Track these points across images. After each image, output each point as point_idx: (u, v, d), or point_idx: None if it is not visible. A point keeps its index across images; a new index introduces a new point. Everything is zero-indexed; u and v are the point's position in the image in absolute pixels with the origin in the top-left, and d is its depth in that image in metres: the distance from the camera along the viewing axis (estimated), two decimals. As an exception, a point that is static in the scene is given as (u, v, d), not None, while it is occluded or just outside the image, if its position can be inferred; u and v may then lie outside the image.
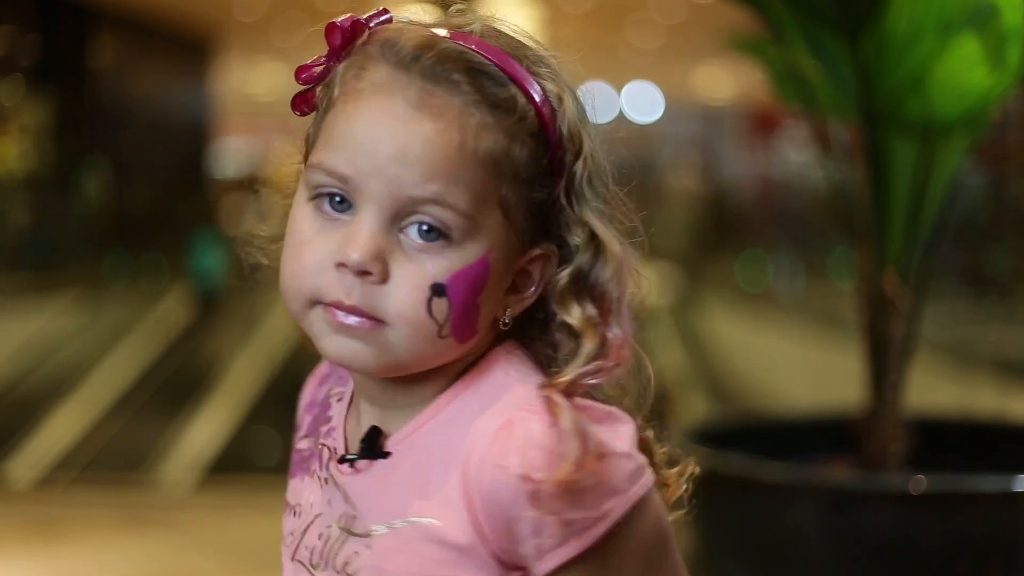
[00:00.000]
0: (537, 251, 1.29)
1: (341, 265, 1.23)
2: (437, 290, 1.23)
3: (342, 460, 1.32)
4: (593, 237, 1.29)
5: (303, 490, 1.38)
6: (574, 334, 1.28)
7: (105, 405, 8.92)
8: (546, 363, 1.30)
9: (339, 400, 1.40)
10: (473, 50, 1.26)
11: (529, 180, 1.26)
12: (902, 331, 2.99)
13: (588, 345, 1.27)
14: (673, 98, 28.39)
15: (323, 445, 1.37)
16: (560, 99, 1.29)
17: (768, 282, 16.43)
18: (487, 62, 1.26)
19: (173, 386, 9.85)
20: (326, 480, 1.34)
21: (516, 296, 1.30)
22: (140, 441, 7.94)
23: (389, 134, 1.22)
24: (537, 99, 1.27)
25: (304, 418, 1.45)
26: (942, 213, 3.07)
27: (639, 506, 1.23)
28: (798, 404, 7.19)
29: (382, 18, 1.31)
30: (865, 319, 3.03)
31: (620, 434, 1.24)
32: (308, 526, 1.34)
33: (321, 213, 1.26)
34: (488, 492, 1.20)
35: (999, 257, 14.57)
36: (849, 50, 2.88)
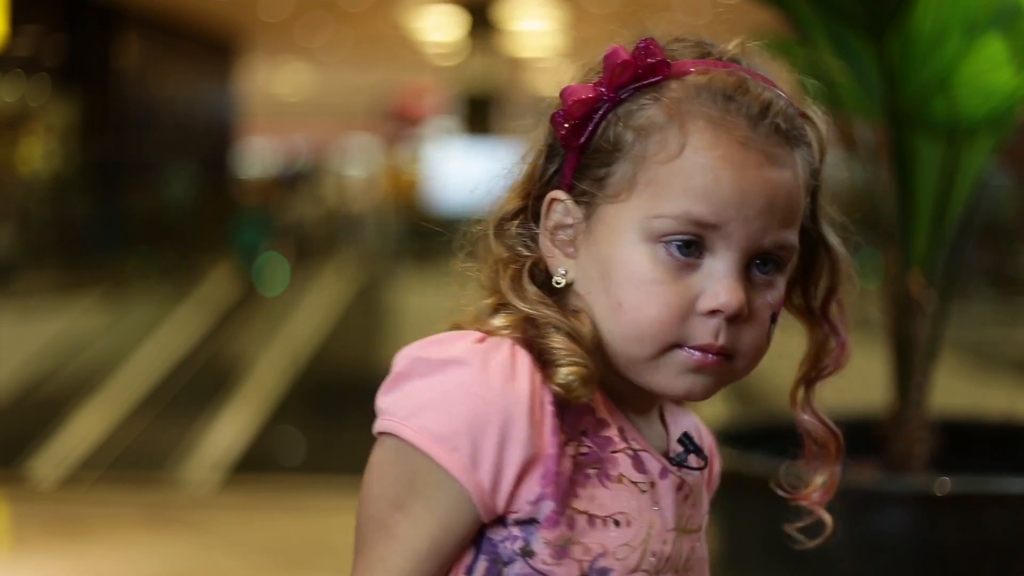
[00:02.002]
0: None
1: (714, 312, 1.28)
2: (774, 319, 1.33)
3: (679, 464, 1.39)
4: (826, 246, 1.40)
5: (606, 498, 1.32)
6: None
7: (130, 404, 8.94)
8: None
9: (603, 413, 1.36)
10: (780, 94, 1.33)
11: (813, 198, 1.37)
12: (927, 332, 2.99)
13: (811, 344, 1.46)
14: (697, 98, 28.33)
15: (632, 451, 1.35)
16: (816, 127, 1.36)
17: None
18: (791, 105, 1.33)
19: (197, 385, 9.87)
20: (651, 484, 1.35)
21: None
22: (165, 440, 7.96)
23: (760, 186, 1.28)
24: (820, 136, 1.36)
25: (551, 422, 1.31)
26: (967, 214, 3.06)
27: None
28: (822, 405, 7.17)
29: (662, 55, 1.34)
30: (890, 320, 3.03)
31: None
32: (648, 534, 1.34)
33: (671, 258, 1.29)
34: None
35: (1024, 258, 14.52)
36: (875, 51, 2.88)
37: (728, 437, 3.25)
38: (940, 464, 2.98)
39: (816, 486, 1.48)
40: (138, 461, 7.59)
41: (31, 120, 17.14)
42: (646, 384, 1.32)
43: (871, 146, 3.19)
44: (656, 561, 1.34)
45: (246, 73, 24.27)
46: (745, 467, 2.94)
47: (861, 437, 3.16)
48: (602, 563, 1.30)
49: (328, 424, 8.16)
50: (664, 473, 1.36)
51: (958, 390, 5.94)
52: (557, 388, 1.27)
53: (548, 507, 1.26)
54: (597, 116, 1.32)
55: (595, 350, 1.31)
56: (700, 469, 1.40)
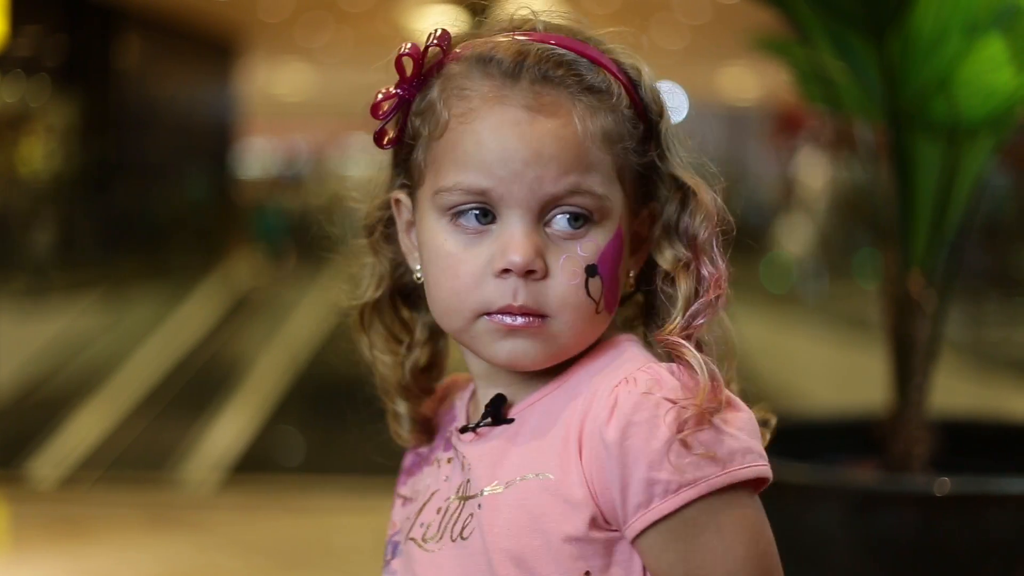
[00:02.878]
0: (644, 212, 1.37)
1: (504, 271, 1.29)
2: (591, 271, 1.30)
3: (463, 430, 1.38)
4: (679, 187, 1.37)
5: (419, 480, 1.44)
6: (674, 282, 1.36)
7: (130, 404, 8.95)
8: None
9: (461, 399, 1.47)
10: (556, 46, 1.33)
11: (633, 149, 1.34)
12: (927, 332, 2.98)
13: (683, 284, 1.35)
14: (697, 99, 28.37)
15: (449, 432, 1.43)
16: (637, 69, 1.38)
17: (792, 283, 16.40)
18: (573, 54, 1.33)
19: (198, 385, 9.88)
20: (448, 460, 1.39)
21: (633, 257, 1.38)
22: (165, 440, 7.96)
23: (519, 140, 1.29)
24: (621, 76, 1.36)
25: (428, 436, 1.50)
26: (967, 214, 3.06)
27: (740, 495, 1.28)
28: (822, 405, 7.18)
29: (446, 39, 1.36)
30: (890, 320, 3.03)
31: (729, 416, 1.29)
32: (423, 506, 1.39)
33: (463, 229, 1.31)
34: (602, 445, 1.25)
35: (1024, 258, 14.52)
36: (875, 51, 2.88)
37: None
38: (940, 464, 2.98)
39: (675, 323, 1.38)
40: (138, 461, 7.60)
41: (31, 120, 17.14)
42: (478, 354, 1.35)
43: (871, 146, 3.19)
44: (423, 531, 1.37)
45: (246, 73, 24.26)
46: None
47: (861, 437, 3.16)
48: (386, 543, 1.46)
49: (328, 424, 8.16)
50: (448, 446, 1.41)
51: (958, 390, 5.95)
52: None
53: None
54: (403, 115, 1.36)
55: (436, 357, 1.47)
56: (476, 427, 1.37)
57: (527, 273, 1.28)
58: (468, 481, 1.35)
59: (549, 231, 1.30)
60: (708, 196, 1.37)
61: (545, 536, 1.27)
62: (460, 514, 1.34)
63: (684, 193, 1.37)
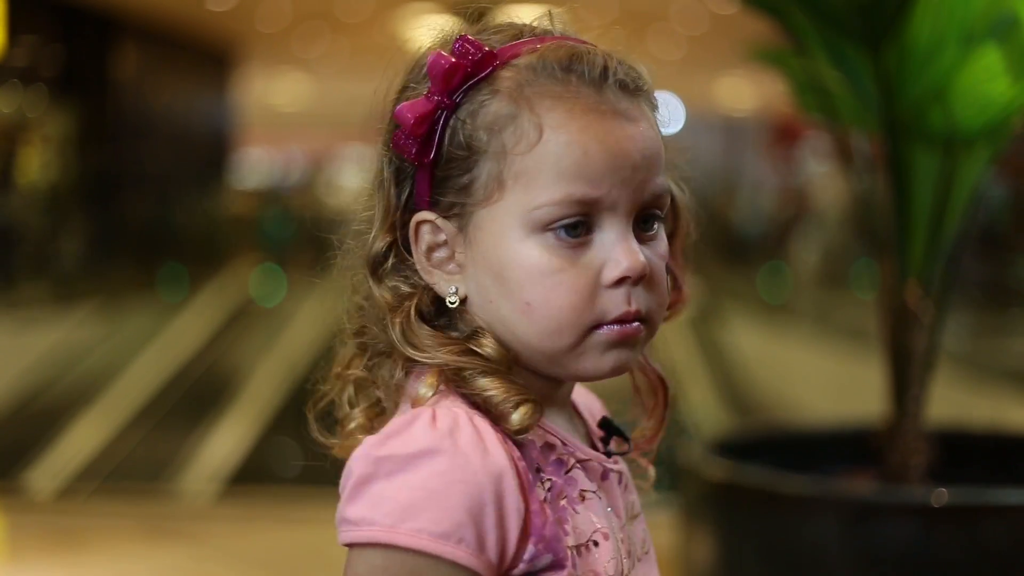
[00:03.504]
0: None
1: (621, 280, 1.26)
2: (668, 270, 1.33)
3: (609, 454, 1.36)
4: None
5: (586, 519, 1.31)
6: None
7: (127, 415, 8.94)
8: None
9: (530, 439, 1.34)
10: (609, 52, 1.32)
11: None
12: (924, 343, 2.98)
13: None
14: (694, 109, 28.38)
15: (578, 462, 1.33)
16: (642, 68, 1.36)
17: (789, 293, 16.41)
18: (623, 60, 1.33)
19: (195, 396, 9.87)
20: (600, 489, 1.33)
21: None
22: (162, 451, 7.95)
23: (625, 145, 1.27)
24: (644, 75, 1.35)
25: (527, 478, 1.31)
26: (964, 224, 3.06)
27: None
28: (819, 416, 7.18)
29: (481, 49, 1.30)
30: (887, 331, 3.03)
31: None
32: (618, 538, 1.33)
33: (562, 243, 1.27)
34: None
35: (1021, 268, 14.53)
36: (871, 61, 2.88)
37: (725, 448, 3.25)
38: (937, 475, 2.98)
39: (643, 430, 1.42)
40: (135, 472, 7.59)
41: (28, 131, 17.14)
42: (573, 374, 1.31)
43: (868, 157, 3.19)
44: (629, 561, 1.33)
45: (243, 84, 24.28)
46: (742, 478, 2.95)
47: (858, 448, 3.16)
48: None
49: (326, 436, 8.14)
50: (605, 474, 1.34)
51: (955, 401, 5.95)
52: (515, 433, 1.25)
53: (546, 559, 1.24)
54: (440, 126, 1.29)
55: (512, 363, 1.29)
56: (627, 453, 1.38)
57: (640, 279, 1.27)
58: (633, 502, 1.37)
59: (638, 235, 1.29)
60: (685, 204, 1.39)
61: None
62: (635, 534, 1.36)
63: (671, 200, 1.37)
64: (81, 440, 8.11)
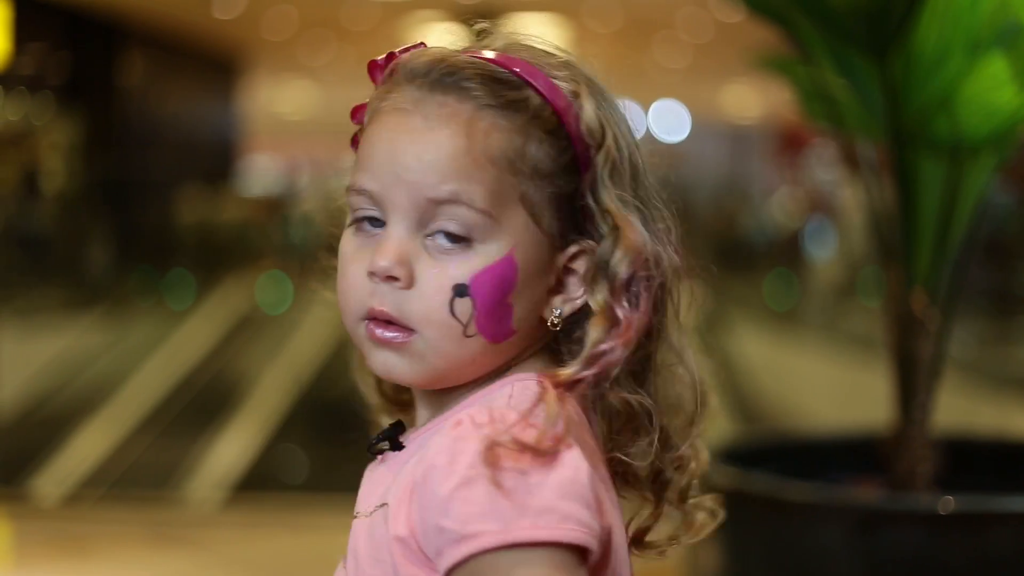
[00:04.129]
0: (574, 248, 1.32)
1: (371, 274, 1.28)
2: (459, 290, 1.27)
3: (368, 450, 1.38)
4: (611, 223, 1.31)
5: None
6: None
7: (133, 422, 8.94)
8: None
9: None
10: (484, 59, 1.32)
11: (551, 175, 1.30)
12: (930, 351, 2.98)
13: (594, 331, 1.30)
14: (700, 117, 28.38)
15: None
16: (576, 94, 1.32)
17: (795, 301, 16.40)
18: (498, 68, 1.31)
19: (201, 403, 9.87)
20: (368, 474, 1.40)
21: (563, 296, 1.33)
22: (168, 458, 7.95)
23: (405, 145, 1.28)
24: (550, 97, 1.31)
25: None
26: (970, 232, 3.06)
27: (535, 556, 1.16)
28: (825, 423, 7.17)
29: (413, 49, 1.36)
30: (893, 338, 3.02)
31: (553, 476, 1.19)
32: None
33: (361, 233, 1.31)
34: (419, 482, 1.22)
35: (1027, 276, 14.51)
36: (877, 69, 2.88)
37: (730, 455, 3.25)
38: (944, 483, 2.98)
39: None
40: (141, 479, 7.59)
41: (35, 138, 17.16)
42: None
43: (873, 165, 3.19)
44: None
45: (249, 91, 24.31)
46: (747, 486, 2.94)
47: (865, 456, 3.16)
48: None
49: (331, 443, 8.15)
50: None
51: (962, 409, 5.94)
52: None
53: None
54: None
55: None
56: (379, 461, 1.38)
57: (390, 279, 1.27)
58: (358, 504, 1.36)
59: (428, 243, 1.28)
60: (637, 235, 1.31)
61: (381, 567, 1.26)
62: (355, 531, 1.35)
63: (616, 230, 1.31)
64: (87, 447, 8.11)
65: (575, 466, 1.20)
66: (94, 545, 5.65)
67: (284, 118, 30.47)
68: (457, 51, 1.33)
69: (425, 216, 1.27)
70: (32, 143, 17.12)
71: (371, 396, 1.47)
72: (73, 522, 6.33)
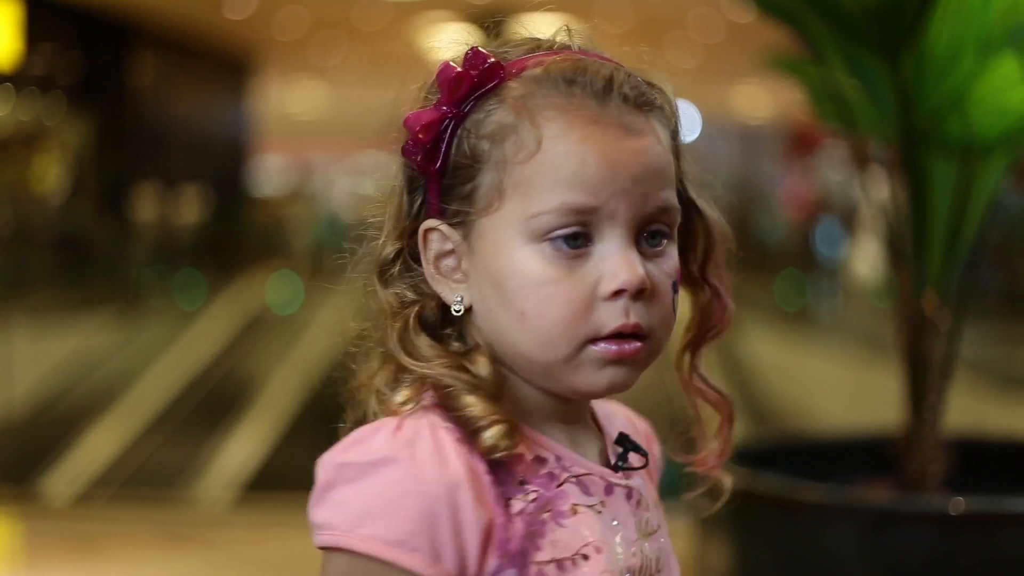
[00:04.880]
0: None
1: (618, 293, 1.25)
2: (675, 288, 1.31)
3: (617, 469, 1.34)
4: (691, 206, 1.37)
5: (576, 533, 1.29)
6: None
7: (144, 422, 8.95)
8: None
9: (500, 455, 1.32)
10: (619, 66, 1.33)
11: (677, 162, 1.34)
12: (941, 351, 2.98)
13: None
14: (711, 117, 28.36)
15: (575, 477, 1.32)
16: (666, 85, 1.36)
17: (806, 301, 16.39)
18: (633, 75, 1.33)
19: (212, 403, 9.88)
20: (602, 503, 1.32)
21: None
22: (179, 458, 7.96)
23: (625, 157, 1.26)
24: (671, 98, 1.36)
25: (492, 491, 1.29)
26: (981, 232, 3.06)
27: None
28: (836, 424, 7.16)
29: (486, 58, 1.32)
30: (905, 339, 3.02)
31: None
32: (617, 553, 1.31)
33: (559, 253, 1.26)
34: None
35: (1039, 277, 14.48)
36: (888, 70, 2.88)
37: (740, 456, 3.25)
38: (955, 484, 2.98)
39: (712, 451, 1.42)
40: (152, 479, 7.60)
41: (46, 138, 17.18)
42: (569, 388, 1.30)
43: (885, 165, 3.19)
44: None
45: (260, 92, 24.32)
46: (757, 486, 2.94)
47: (876, 456, 3.16)
48: None
49: (341, 442, 8.14)
50: (610, 488, 1.32)
51: (973, 409, 5.93)
52: (486, 452, 1.24)
53: (510, 574, 1.24)
54: (447, 136, 1.31)
55: (503, 385, 1.29)
56: (642, 468, 1.37)
57: (640, 292, 1.26)
58: (648, 519, 1.34)
59: (641, 249, 1.28)
60: (717, 219, 1.38)
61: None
62: (648, 551, 1.34)
63: (700, 214, 1.37)
64: (98, 446, 8.12)
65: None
66: (105, 545, 5.66)
67: (295, 118, 30.47)
68: (602, 62, 1.33)
69: (642, 224, 1.28)
70: (44, 143, 17.14)
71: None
72: (84, 522, 6.34)
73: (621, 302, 1.25)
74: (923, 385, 2.98)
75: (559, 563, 1.26)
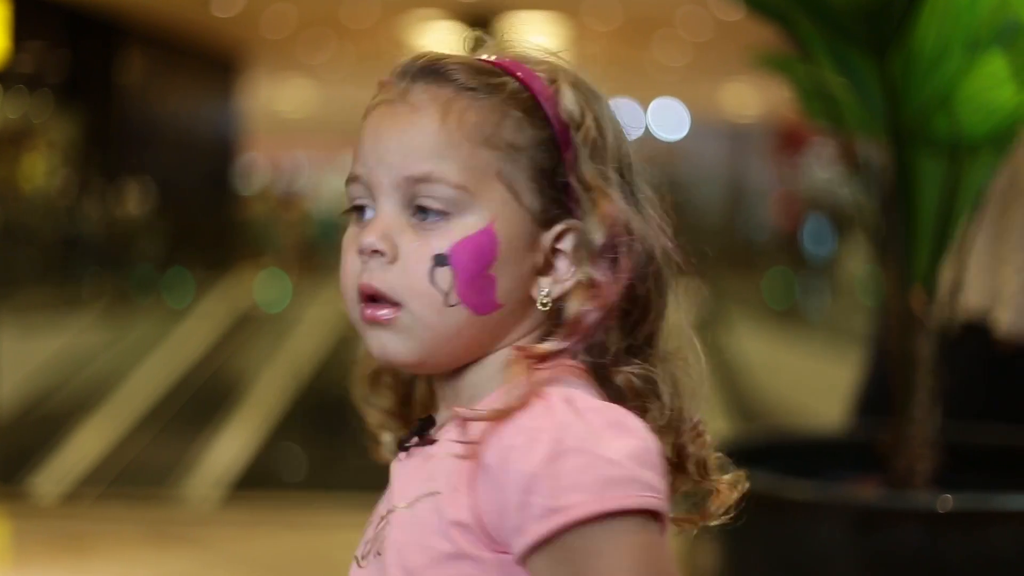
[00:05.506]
0: (559, 227, 1.35)
1: (360, 252, 1.33)
2: (439, 260, 1.31)
3: (399, 447, 1.39)
4: (595, 198, 1.35)
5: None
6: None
7: (132, 420, 8.94)
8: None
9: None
10: (466, 55, 1.39)
11: (527, 150, 1.34)
12: (929, 348, 2.98)
13: (573, 302, 1.33)
14: (699, 115, 28.37)
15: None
16: (554, 81, 1.37)
17: (794, 299, 16.41)
18: (478, 60, 1.38)
19: (200, 401, 9.88)
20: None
21: (552, 277, 1.35)
22: (167, 456, 7.96)
23: (388, 130, 1.34)
24: (527, 81, 1.36)
25: None
26: (969, 231, 3.06)
27: (626, 524, 1.23)
28: (824, 422, 7.17)
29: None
30: (892, 337, 3.02)
31: (615, 444, 1.24)
32: (368, 526, 1.40)
33: (356, 225, 1.36)
34: (494, 464, 1.24)
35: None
36: (876, 68, 2.88)
37: (729, 454, 3.25)
38: (943, 481, 2.98)
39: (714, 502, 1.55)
40: (140, 477, 7.59)
41: (33, 136, 17.16)
42: None
43: (873, 163, 3.19)
44: (362, 549, 1.38)
45: (248, 90, 24.31)
46: (746, 483, 2.94)
47: (864, 454, 3.16)
48: None
49: (331, 441, 8.16)
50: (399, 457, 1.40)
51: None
52: None
53: None
54: None
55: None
56: (405, 457, 1.39)
57: (374, 253, 1.32)
58: (392, 500, 1.37)
59: (413, 221, 1.32)
60: (612, 204, 1.34)
61: (429, 553, 1.27)
62: (383, 531, 1.35)
63: (594, 203, 1.35)
64: (86, 445, 8.11)
65: (643, 435, 1.27)
66: (93, 543, 5.65)
67: (283, 116, 30.46)
68: (444, 52, 1.39)
69: (407, 195, 1.32)
70: (31, 141, 17.11)
71: (371, 415, 1.49)
72: (72, 520, 6.33)
73: (365, 261, 1.34)
74: (911, 382, 2.99)
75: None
